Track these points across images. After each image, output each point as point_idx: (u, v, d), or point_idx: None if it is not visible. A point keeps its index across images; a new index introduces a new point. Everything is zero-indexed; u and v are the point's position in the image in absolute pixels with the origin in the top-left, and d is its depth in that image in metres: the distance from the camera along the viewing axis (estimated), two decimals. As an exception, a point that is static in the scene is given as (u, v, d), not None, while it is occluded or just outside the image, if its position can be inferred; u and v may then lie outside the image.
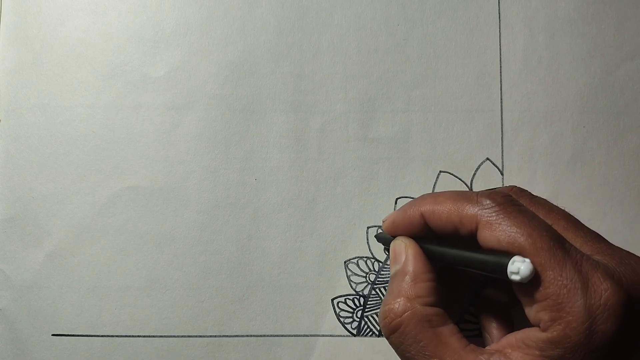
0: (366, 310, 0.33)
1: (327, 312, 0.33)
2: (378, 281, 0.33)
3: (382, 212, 0.33)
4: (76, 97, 0.34)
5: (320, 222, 0.33)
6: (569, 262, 0.22)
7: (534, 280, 0.23)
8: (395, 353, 0.26)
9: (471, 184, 0.33)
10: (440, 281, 0.27)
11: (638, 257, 0.24)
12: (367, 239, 0.33)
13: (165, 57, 0.34)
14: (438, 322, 0.25)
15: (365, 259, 0.33)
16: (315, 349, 0.32)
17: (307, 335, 0.32)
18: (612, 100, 0.34)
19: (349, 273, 0.33)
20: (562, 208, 0.27)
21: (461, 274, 0.30)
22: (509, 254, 0.23)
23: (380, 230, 0.33)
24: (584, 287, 0.22)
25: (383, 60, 0.34)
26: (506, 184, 0.33)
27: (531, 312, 0.23)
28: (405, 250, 0.28)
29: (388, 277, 0.33)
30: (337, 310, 0.33)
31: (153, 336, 0.32)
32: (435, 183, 0.33)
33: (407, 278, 0.27)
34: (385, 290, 0.33)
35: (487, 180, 0.33)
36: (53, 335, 0.32)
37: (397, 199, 0.33)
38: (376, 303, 0.33)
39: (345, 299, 0.33)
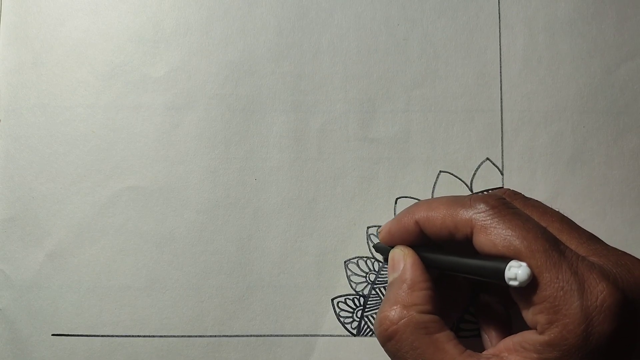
0: (366, 310, 0.33)
1: (327, 312, 0.33)
2: (378, 281, 0.33)
3: (382, 212, 0.33)
4: (76, 97, 0.34)
5: (320, 222, 0.33)
6: (565, 264, 0.23)
7: (530, 284, 0.23)
8: None
9: (471, 184, 0.33)
10: (438, 287, 0.27)
11: (633, 257, 0.24)
12: (367, 239, 0.33)
13: (165, 57, 0.34)
14: (435, 329, 0.25)
15: (365, 258, 0.33)
16: (315, 349, 0.32)
17: (307, 335, 0.32)
18: (612, 100, 0.34)
19: (349, 273, 0.33)
20: (557, 210, 0.27)
21: (459, 278, 0.30)
22: (506, 259, 0.23)
23: (377, 240, 0.33)
24: (580, 289, 0.22)
25: (383, 60, 0.34)
26: (506, 184, 0.33)
27: (528, 314, 0.23)
28: (403, 259, 0.28)
29: (387, 277, 0.33)
30: (337, 310, 0.33)
31: (153, 336, 0.32)
32: (435, 183, 0.33)
33: (404, 286, 0.27)
34: (385, 290, 0.33)
35: (487, 180, 0.33)
36: (53, 335, 0.32)
37: (397, 199, 0.33)
38: (376, 303, 0.33)
39: (345, 299, 0.33)
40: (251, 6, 0.34)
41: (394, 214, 0.33)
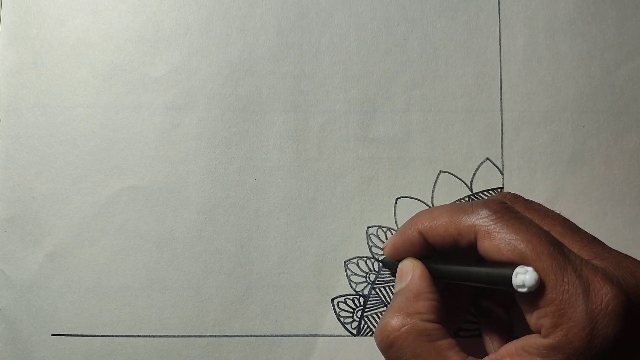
0: (366, 310, 0.33)
1: (327, 312, 0.33)
2: (378, 281, 0.33)
3: (382, 212, 0.33)
4: (76, 97, 0.34)
5: (320, 222, 0.33)
6: (570, 267, 0.23)
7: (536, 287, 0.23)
8: None
9: (471, 184, 0.33)
10: (442, 294, 0.27)
11: (635, 260, 0.24)
12: (367, 239, 0.33)
13: (165, 57, 0.34)
14: (437, 337, 0.25)
15: (365, 258, 0.33)
16: (315, 349, 0.32)
17: (307, 335, 0.32)
18: (612, 100, 0.34)
19: (349, 273, 0.33)
20: (557, 212, 0.27)
21: (462, 286, 0.30)
22: (511, 264, 0.23)
23: (377, 240, 0.33)
24: (585, 292, 0.22)
25: (383, 60, 0.34)
26: (506, 184, 0.33)
27: (532, 318, 0.23)
28: (412, 270, 0.28)
29: (388, 277, 0.33)
30: (337, 310, 0.33)
31: (153, 336, 0.32)
32: (435, 183, 0.33)
33: (410, 295, 0.27)
34: (385, 290, 0.33)
35: (487, 181, 0.33)
36: (53, 335, 0.32)
37: (397, 199, 0.33)
38: (376, 303, 0.33)
39: (345, 299, 0.33)
40: (251, 6, 0.34)
41: (394, 214, 0.33)
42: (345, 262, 0.33)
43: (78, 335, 0.32)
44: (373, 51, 0.34)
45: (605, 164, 0.33)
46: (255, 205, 0.33)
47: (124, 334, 0.32)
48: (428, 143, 0.34)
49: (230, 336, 0.32)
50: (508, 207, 0.26)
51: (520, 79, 0.34)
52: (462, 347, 0.25)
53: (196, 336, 0.32)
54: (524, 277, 0.22)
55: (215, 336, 0.32)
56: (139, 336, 0.32)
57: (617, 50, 0.34)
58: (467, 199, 0.33)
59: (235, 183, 0.33)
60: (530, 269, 0.22)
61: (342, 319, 0.32)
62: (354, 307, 0.33)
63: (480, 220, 0.25)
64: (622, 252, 0.25)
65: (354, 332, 0.32)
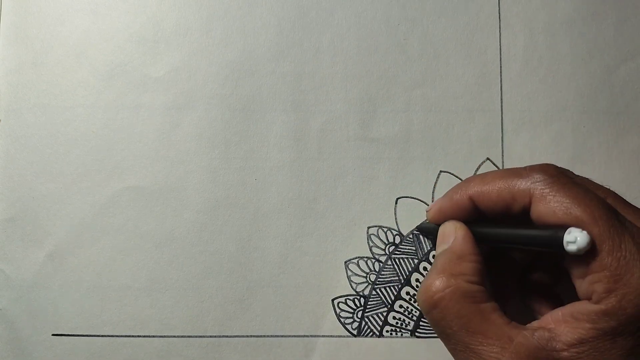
0: (367, 310, 0.33)
1: (327, 312, 0.33)
2: (378, 281, 0.33)
3: (383, 212, 0.33)
4: (76, 97, 0.34)
5: (321, 222, 0.33)
6: (627, 234, 0.22)
7: (589, 252, 0.22)
8: (435, 331, 0.26)
9: (471, 184, 0.33)
10: (487, 269, 0.27)
11: None
12: (368, 239, 0.33)
13: (165, 57, 0.34)
14: (481, 299, 0.25)
15: (365, 259, 0.33)
16: (315, 350, 0.32)
17: (307, 336, 0.32)
18: (612, 100, 0.34)
19: (349, 273, 0.33)
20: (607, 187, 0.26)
21: (507, 261, 0.29)
22: (564, 227, 0.23)
23: (377, 240, 0.33)
24: None
25: (383, 60, 0.34)
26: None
27: (583, 284, 0.23)
28: (455, 232, 0.27)
29: (388, 277, 0.33)
30: (338, 310, 0.33)
31: (153, 336, 0.32)
32: (435, 183, 0.33)
33: (453, 256, 0.26)
34: (385, 290, 0.33)
35: (488, 180, 0.33)
36: (53, 335, 0.32)
37: (397, 198, 0.33)
38: (376, 303, 0.33)
39: (345, 299, 0.33)
40: (251, 6, 0.34)
41: (395, 214, 0.33)
42: (345, 262, 0.33)
43: (78, 335, 0.32)
44: (373, 51, 0.34)
45: (605, 164, 0.33)
46: (256, 205, 0.33)
47: (124, 334, 0.32)
48: (428, 143, 0.34)
49: (230, 336, 0.32)
50: (564, 171, 0.25)
51: (520, 79, 0.34)
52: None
53: (196, 336, 0.32)
54: (577, 234, 0.22)
55: (215, 336, 0.32)
56: (139, 336, 0.32)
57: (617, 50, 0.34)
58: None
59: (235, 183, 0.33)
60: (584, 231, 0.22)
61: (342, 320, 0.32)
62: (355, 307, 0.33)
63: (536, 184, 0.25)
64: None
65: (355, 332, 0.32)
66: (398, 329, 0.32)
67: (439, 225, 0.29)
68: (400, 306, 0.33)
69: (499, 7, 0.34)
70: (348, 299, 0.33)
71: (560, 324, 0.23)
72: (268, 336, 0.32)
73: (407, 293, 0.33)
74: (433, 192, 0.33)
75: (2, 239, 0.33)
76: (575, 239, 0.22)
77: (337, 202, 0.33)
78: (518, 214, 0.26)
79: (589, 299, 0.23)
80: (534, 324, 0.24)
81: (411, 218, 0.33)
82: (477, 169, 0.33)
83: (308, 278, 0.33)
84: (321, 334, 0.32)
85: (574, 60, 0.34)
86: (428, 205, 0.33)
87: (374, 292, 0.33)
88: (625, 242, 0.22)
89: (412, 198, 0.33)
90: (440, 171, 0.33)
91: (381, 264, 0.33)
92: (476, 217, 0.28)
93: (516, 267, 0.30)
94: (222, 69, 0.34)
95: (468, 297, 0.25)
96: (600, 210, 0.23)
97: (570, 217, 0.23)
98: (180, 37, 0.34)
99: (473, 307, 0.24)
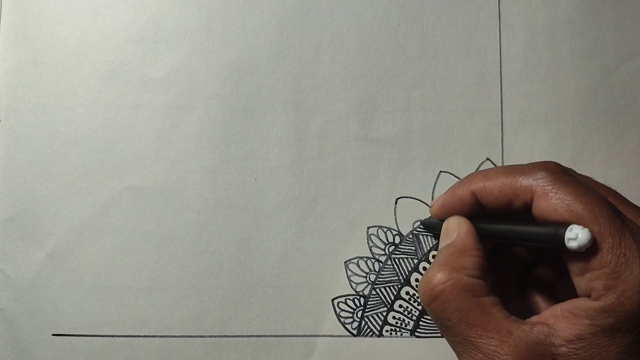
0: (366, 310, 0.33)
1: (327, 312, 0.33)
2: (378, 281, 0.33)
3: (382, 212, 0.33)
4: (76, 97, 0.34)
5: (321, 222, 0.33)
6: (627, 232, 0.22)
7: (589, 249, 0.22)
8: (435, 323, 0.26)
9: (471, 184, 0.33)
10: (489, 264, 0.27)
11: None
12: (367, 239, 0.33)
13: (165, 57, 0.34)
14: (482, 293, 0.25)
15: (365, 259, 0.33)
16: (315, 349, 0.32)
17: (307, 336, 0.32)
18: (612, 100, 0.34)
19: (349, 273, 0.33)
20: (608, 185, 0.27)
21: (509, 256, 0.30)
22: (565, 224, 0.23)
23: (377, 240, 0.33)
24: None
25: (383, 60, 0.34)
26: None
27: (582, 281, 0.23)
28: (458, 227, 0.28)
29: (388, 277, 0.33)
30: (338, 310, 0.33)
31: (153, 336, 0.32)
32: (435, 183, 0.33)
33: (455, 250, 0.27)
34: (385, 290, 0.33)
35: (487, 180, 0.33)
36: (53, 335, 0.32)
37: (397, 199, 0.33)
38: (376, 303, 0.33)
39: (345, 299, 0.33)
40: (251, 6, 0.34)
41: (394, 214, 0.33)
42: (345, 262, 0.33)
43: (78, 335, 0.32)
44: (373, 51, 0.34)
45: (605, 164, 0.33)
46: (256, 205, 0.33)
47: (124, 334, 0.32)
48: (428, 143, 0.34)
49: (230, 336, 0.32)
50: (566, 169, 0.26)
51: (520, 79, 0.34)
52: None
53: (196, 336, 0.32)
54: (578, 231, 0.22)
55: (215, 336, 0.32)
56: (139, 336, 0.32)
57: (617, 50, 0.34)
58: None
59: (235, 183, 0.33)
60: (586, 228, 0.22)
61: (342, 319, 0.32)
62: (355, 307, 0.33)
63: (538, 180, 0.25)
64: None
65: (355, 332, 0.32)
66: (398, 329, 0.32)
67: (442, 220, 0.29)
68: (400, 306, 0.33)
69: (499, 7, 0.34)
70: (348, 298, 0.33)
71: (559, 319, 0.23)
72: (268, 336, 0.32)
73: (407, 293, 0.33)
74: (433, 192, 0.33)
75: (2, 239, 0.33)
76: (576, 236, 0.22)
77: (337, 202, 0.33)
78: (520, 211, 0.26)
79: (588, 295, 0.23)
80: (533, 319, 0.25)
81: (411, 218, 0.33)
82: (477, 169, 0.33)
83: (308, 278, 0.33)
84: (321, 334, 0.32)
85: (574, 60, 0.34)
86: (428, 205, 0.33)
87: (373, 292, 0.33)
88: (625, 239, 0.22)
89: (412, 198, 0.33)
90: (440, 171, 0.33)
91: (381, 264, 0.33)
92: (478, 212, 0.28)
93: (518, 263, 0.30)
94: (222, 69, 0.34)
95: (468, 291, 0.25)
96: (602, 208, 0.23)
97: (571, 214, 0.23)
98: (180, 37, 0.34)
99: (473, 300, 0.25)
